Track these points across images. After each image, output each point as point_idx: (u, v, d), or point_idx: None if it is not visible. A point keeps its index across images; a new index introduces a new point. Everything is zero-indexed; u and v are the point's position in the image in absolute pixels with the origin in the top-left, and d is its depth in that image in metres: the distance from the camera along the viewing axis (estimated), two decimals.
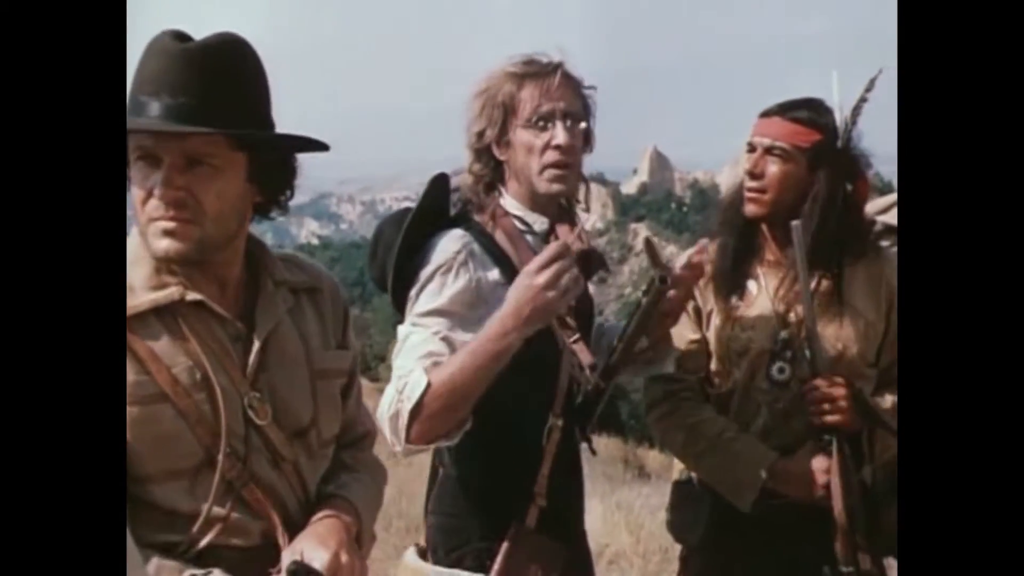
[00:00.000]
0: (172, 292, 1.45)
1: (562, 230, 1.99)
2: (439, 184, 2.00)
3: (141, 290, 1.44)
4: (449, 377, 1.73)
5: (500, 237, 1.97)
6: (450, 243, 1.92)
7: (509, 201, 2.00)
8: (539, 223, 2.00)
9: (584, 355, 1.94)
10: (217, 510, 1.45)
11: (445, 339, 1.84)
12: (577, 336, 1.95)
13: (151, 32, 1.41)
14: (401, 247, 1.93)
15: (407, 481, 5.46)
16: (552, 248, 1.69)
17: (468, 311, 1.88)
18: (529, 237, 1.98)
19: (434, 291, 1.89)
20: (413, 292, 1.91)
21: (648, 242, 2.00)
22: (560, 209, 2.04)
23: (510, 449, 1.97)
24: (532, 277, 1.67)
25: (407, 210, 2.01)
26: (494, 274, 1.92)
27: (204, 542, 1.45)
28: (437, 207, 1.99)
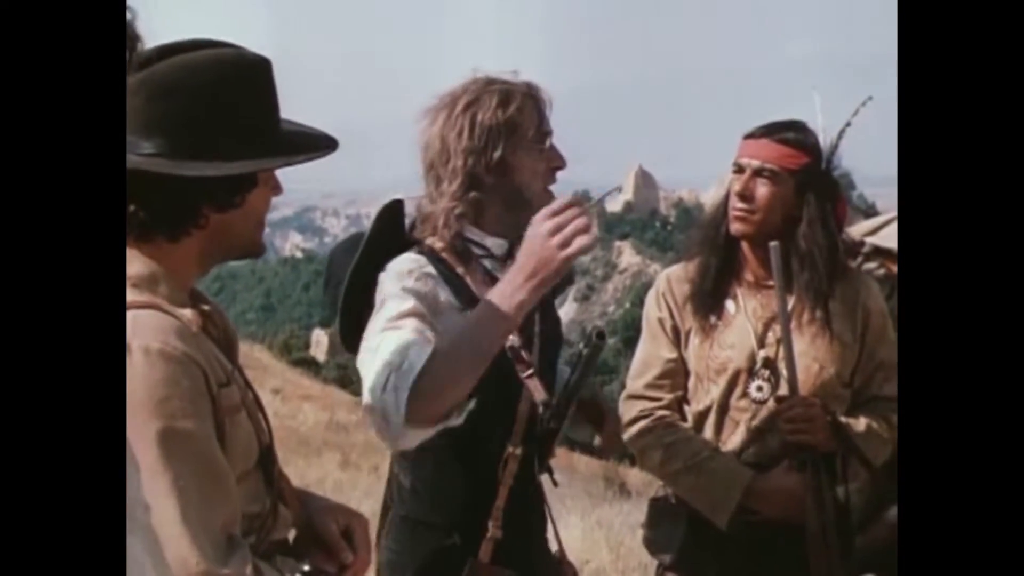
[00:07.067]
0: (190, 311, 1.39)
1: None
2: (391, 212, 1.94)
3: (173, 307, 1.36)
4: (453, 342, 1.59)
5: (454, 261, 1.89)
6: (403, 263, 1.84)
7: (464, 226, 1.90)
8: (497, 246, 1.93)
9: (537, 392, 1.89)
10: (268, 506, 1.45)
11: (425, 337, 1.70)
12: (531, 371, 1.88)
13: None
14: (350, 282, 1.86)
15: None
16: (565, 197, 1.55)
17: (432, 318, 1.77)
18: (486, 261, 1.91)
19: (399, 298, 1.78)
20: (373, 318, 1.79)
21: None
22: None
23: (465, 480, 1.92)
24: (539, 225, 1.52)
25: (359, 235, 1.94)
26: (448, 296, 1.84)
27: (268, 540, 1.44)
28: (389, 235, 1.92)
